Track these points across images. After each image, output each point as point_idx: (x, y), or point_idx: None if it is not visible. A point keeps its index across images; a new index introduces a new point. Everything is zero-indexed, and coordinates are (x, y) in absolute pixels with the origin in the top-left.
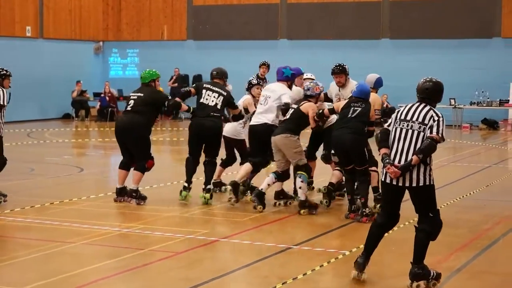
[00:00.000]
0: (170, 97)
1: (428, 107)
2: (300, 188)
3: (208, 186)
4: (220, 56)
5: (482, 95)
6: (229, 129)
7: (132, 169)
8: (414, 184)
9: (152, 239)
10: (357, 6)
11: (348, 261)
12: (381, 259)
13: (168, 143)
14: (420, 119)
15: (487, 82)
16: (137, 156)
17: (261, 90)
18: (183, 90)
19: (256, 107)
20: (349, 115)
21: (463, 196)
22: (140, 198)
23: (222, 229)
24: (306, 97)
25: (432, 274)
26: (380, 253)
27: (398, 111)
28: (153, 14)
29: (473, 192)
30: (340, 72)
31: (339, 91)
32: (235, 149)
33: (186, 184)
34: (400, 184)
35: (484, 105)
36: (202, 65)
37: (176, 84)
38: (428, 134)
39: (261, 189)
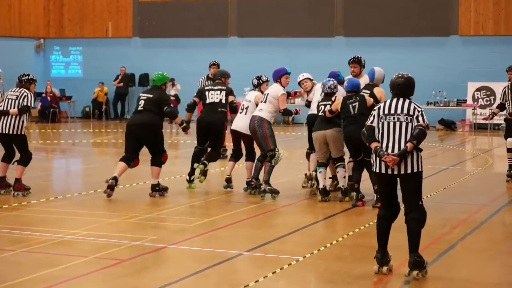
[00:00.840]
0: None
1: (408, 101)
2: (344, 177)
3: (207, 168)
4: (167, 54)
5: (439, 95)
6: (243, 124)
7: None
8: (409, 171)
9: (96, 246)
10: (309, 3)
11: (302, 267)
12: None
13: (113, 145)
14: (405, 111)
15: (444, 82)
16: (153, 151)
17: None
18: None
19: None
20: (353, 112)
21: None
22: (162, 190)
23: (171, 235)
24: (331, 95)
25: (425, 262)
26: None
27: (379, 108)
28: (97, 10)
29: (430, 195)
30: (355, 62)
31: None
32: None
33: (188, 177)
34: (396, 172)
35: (441, 105)
36: (149, 64)
37: (121, 84)
38: (416, 123)
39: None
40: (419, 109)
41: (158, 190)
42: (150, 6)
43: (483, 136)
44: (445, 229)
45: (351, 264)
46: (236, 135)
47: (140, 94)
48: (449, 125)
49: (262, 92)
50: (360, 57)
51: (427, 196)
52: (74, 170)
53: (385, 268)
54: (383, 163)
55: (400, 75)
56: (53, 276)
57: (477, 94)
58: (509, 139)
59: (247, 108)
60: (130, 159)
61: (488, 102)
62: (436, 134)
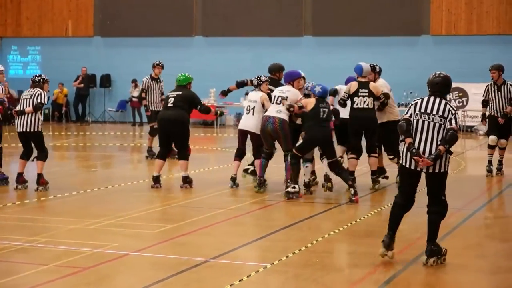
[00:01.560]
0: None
1: (444, 101)
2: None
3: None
4: (130, 54)
5: (411, 95)
6: (252, 124)
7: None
8: (436, 171)
9: (57, 254)
10: (277, 1)
11: (270, 274)
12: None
13: (73, 148)
14: (440, 113)
15: (416, 82)
16: (180, 145)
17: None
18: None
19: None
20: (322, 116)
21: (391, 203)
22: (190, 182)
23: (133, 242)
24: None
25: (443, 251)
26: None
27: (416, 104)
28: (56, 8)
29: None
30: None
31: None
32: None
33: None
34: (424, 170)
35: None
36: (110, 64)
37: (82, 85)
38: (448, 126)
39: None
40: (453, 112)
41: (188, 182)
42: (112, 4)
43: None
44: (418, 234)
45: (320, 271)
46: (244, 134)
47: (169, 93)
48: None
49: (262, 91)
50: (376, 65)
51: None
52: (32, 175)
53: (390, 253)
54: (411, 159)
55: (437, 74)
56: (12, 285)
57: (450, 95)
58: (491, 137)
59: (253, 108)
60: (165, 155)
61: (461, 104)
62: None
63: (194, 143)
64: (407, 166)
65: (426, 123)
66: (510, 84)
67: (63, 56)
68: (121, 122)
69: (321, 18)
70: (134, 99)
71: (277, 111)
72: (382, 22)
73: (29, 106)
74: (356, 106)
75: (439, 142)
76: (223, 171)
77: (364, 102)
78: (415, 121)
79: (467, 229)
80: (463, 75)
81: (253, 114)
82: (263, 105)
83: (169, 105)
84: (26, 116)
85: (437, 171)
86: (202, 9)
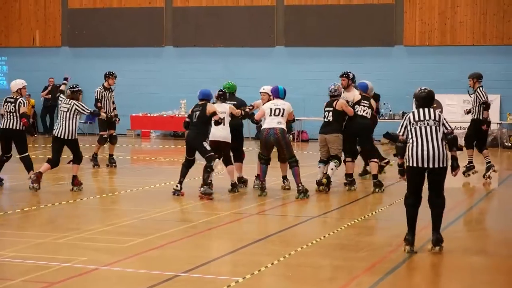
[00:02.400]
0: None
1: (432, 109)
2: (331, 169)
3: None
4: (98, 64)
5: (384, 107)
6: (223, 134)
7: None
8: (441, 165)
9: (24, 268)
10: (248, 11)
11: None
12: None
13: (41, 160)
14: (433, 117)
15: (389, 94)
16: (236, 148)
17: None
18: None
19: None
20: (194, 119)
21: (364, 217)
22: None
23: (102, 256)
24: (334, 97)
25: (442, 241)
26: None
27: (409, 117)
28: (23, 17)
29: (375, 212)
30: (343, 76)
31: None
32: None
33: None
34: (431, 166)
35: (386, 118)
36: (79, 75)
37: (50, 96)
38: (444, 130)
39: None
40: (442, 117)
41: (243, 182)
42: (80, 14)
43: None
44: (391, 247)
45: (294, 284)
46: (216, 144)
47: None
48: (394, 139)
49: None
50: (349, 72)
51: (372, 213)
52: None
53: (409, 247)
54: (418, 159)
55: (422, 90)
56: None
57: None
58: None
59: (223, 119)
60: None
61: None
62: (381, 149)
63: (165, 155)
64: (414, 165)
65: (423, 128)
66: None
67: (30, 67)
68: (90, 133)
69: (293, 28)
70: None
71: (277, 123)
72: (355, 33)
73: (72, 117)
74: (356, 113)
75: (438, 141)
76: (194, 183)
77: (364, 111)
78: (413, 129)
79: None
80: (437, 86)
81: (223, 124)
82: (231, 115)
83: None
84: (67, 124)
85: (441, 166)
86: (173, 19)
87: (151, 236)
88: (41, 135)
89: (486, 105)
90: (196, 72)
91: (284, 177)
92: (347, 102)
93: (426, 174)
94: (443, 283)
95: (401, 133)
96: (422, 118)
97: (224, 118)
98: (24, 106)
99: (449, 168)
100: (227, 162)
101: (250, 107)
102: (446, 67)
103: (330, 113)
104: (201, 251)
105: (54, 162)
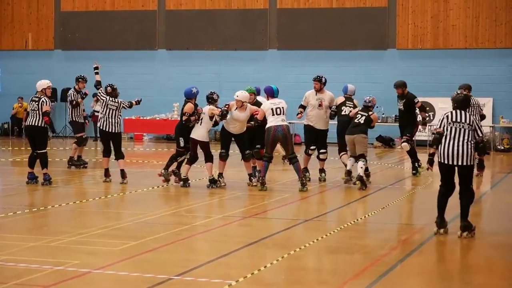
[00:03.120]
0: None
1: (468, 114)
2: (361, 168)
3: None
4: (91, 67)
5: (377, 110)
6: (199, 133)
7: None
8: (468, 164)
9: (17, 272)
10: (242, 14)
11: None
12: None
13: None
14: (468, 121)
15: (382, 96)
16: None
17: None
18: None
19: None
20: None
21: (357, 220)
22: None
23: (95, 259)
24: (368, 108)
25: (473, 226)
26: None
27: (447, 116)
28: (16, 20)
29: (368, 215)
30: (315, 79)
31: (316, 95)
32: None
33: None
34: (460, 163)
35: (379, 121)
36: (72, 78)
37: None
38: (476, 136)
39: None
40: (476, 122)
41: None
42: (73, 17)
43: (423, 153)
44: (384, 250)
45: None
46: (194, 142)
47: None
48: (387, 142)
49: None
50: (322, 76)
51: (364, 217)
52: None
53: (442, 230)
54: (447, 156)
55: (459, 94)
56: None
57: (416, 109)
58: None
59: (202, 119)
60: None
61: (428, 118)
62: (374, 152)
63: (158, 158)
64: (445, 162)
65: (458, 129)
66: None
67: (23, 70)
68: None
69: (286, 32)
70: (96, 114)
71: (282, 120)
72: (347, 36)
73: (120, 114)
74: (344, 113)
75: (467, 142)
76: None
77: (350, 111)
78: (449, 128)
79: (434, 245)
80: (429, 89)
81: (200, 124)
82: (210, 117)
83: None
84: (113, 119)
85: (466, 164)
86: (165, 22)
87: (144, 239)
88: None
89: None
90: (189, 75)
91: (251, 175)
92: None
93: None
94: (436, 286)
95: (440, 128)
96: (458, 120)
97: (202, 118)
98: (46, 105)
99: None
100: (208, 159)
101: (226, 107)
102: (439, 70)
103: (364, 118)
104: (194, 254)
105: (109, 152)
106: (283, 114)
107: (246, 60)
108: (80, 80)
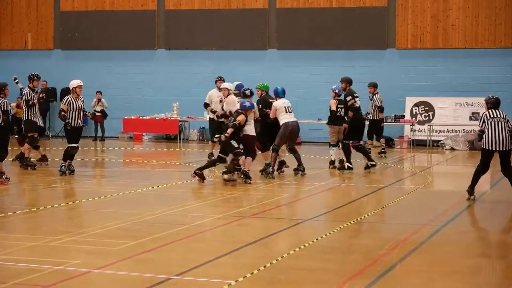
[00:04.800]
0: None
1: (500, 110)
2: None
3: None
4: (91, 67)
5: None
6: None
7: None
8: (506, 148)
9: (16, 271)
10: (241, 14)
11: None
12: None
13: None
14: (503, 116)
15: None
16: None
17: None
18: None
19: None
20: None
21: (356, 220)
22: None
23: (95, 259)
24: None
25: None
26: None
27: (486, 115)
28: (15, 20)
29: (368, 215)
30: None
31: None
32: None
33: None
34: (500, 149)
35: None
36: (71, 77)
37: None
38: (510, 125)
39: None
40: (507, 115)
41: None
42: (72, 16)
43: (422, 153)
44: (383, 250)
45: (285, 287)
46: (252, 139)
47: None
48: (386, 142)
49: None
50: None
51: (364, 216)
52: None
53: (472, 197)
54: (491, 143)
55: (491, 97)
56: None
57: (415, 109)
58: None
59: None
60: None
61: (427, 118)
62: (373, 151)
63: (157, 158)
64: (489, 148)
65: (496, 123)
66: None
67: (22, 70)
68: (83, 136)
69: (285, 31)
70: (97, 114)
71: (294, 116)
72: (347, 36)
73: None
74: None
75: (504, 132)
76: (186, 186)
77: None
78: (489, 123)
79: (434, 245)
80: (429, 89)
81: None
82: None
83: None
84: None
85: (506, 148)
86: (165, 21)
87: (143, 239)
88: None
89: (380, 109)
90: (188, 75)
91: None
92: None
93: (496, 154)
94: (435, 286)
95: (481, 126)
96: (495, 116)
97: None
98: (64, 104)
99: None
100: (249, 154)
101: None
102: (438, 70)
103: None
104: (194, 254)
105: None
106: (293, 112)
107: (245, 60)
108: (36, 79)
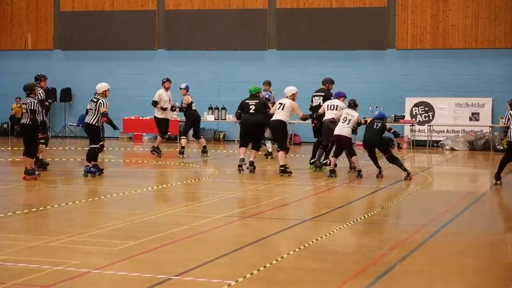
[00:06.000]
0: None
1: None
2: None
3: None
4: (91, 67)
5: (376, 110)
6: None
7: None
8: None
9: (16, 272)
10: (241, 14)
11: None
12: None
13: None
14: None
15: (381, 97)
16: (259, 140)
17: None
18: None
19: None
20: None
21: (356, 220)
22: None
23: (94, 259)
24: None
25: None
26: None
27: (510, 113)
28: (15, 20)
29: (367, 215)
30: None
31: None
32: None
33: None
34: None
35: None
36: (71, 78)
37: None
38: None
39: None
40: None
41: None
42: (72, 17)
43: (422, 153)
44: (383, 250)
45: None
46: (340, 138)
47: (248, 101)
48: (387, 142)
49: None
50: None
51: (364, 217)
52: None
53: (499, 182)
54: None
55: None
56: None
57: (415, 109)
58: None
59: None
60: (246, 146)
61: (427, 118)
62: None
63: (157, 158)
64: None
65: None
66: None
67: (22, 70)
68: (82, 137)
69: (285, 32)
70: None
71: (334, 114)
72: (347, 36)
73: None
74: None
75: None
76: (186, 186)
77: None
78: None
79: (434, 245)
80: (428, 89)
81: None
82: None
83: (251, 111)
84: None
85: None
86: (165, 22)
87: (143, 239)
88: None
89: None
90: (188, 75)
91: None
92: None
93: None
94: (435, 286)
95: (506, 123)
96: None
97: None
98: (104, 106)
99: None
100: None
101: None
102: (438, 70)
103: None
104: (194, 254)
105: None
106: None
107: (245, 60)
108: (41, 79)
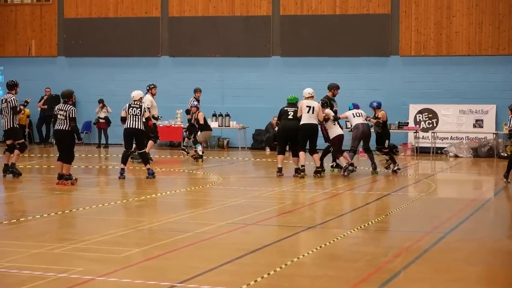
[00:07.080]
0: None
1: None
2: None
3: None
4: (95, 74)
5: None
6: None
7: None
8: None
9: (20, 279)
10: (245, 21)
11: None
12: None
13: (37, 170)
14: None
15: (385, 104)
16: (296, 144)
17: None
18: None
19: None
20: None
21: (360, 227)
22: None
23: (99, 266)
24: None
25: None
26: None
27: None
28: (19, 27)
29: (371, 222)
30: None
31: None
32: None
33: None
34: None
35: None
36: (75, 84)
37: (46, 106)
38: None
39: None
40: None
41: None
42: (76, 24)
43: (426, 160)
44: (388, 257)
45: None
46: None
47: (287, 108)
48: (390, 149)
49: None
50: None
51: (368, 224)
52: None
53: (509, 180)
54: None
55: None
56: None
57: (419, 116)
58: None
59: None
60: (283, 152)
61: (431, 125)
62: (377, 159)
63: (161, 164)
64: None
65: None
66: None
67: (26, 77)
68: (86, 143)
69: (289, 38)
70: (100, 120)
71: (364, 119)
72: (350, 43)
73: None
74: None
75: None
76: (189, 193)
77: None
78: None
79: (437, 252)
80: (432, 96)
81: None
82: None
83: (289, 117)
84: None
85: None
86: (169, 28)
87: (147, 246)
88: (36, 145)
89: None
90: (192, 82)
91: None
92: None
93: None
94: None
95: (510, 126)
96: None
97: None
98: (148, 112)
99: None
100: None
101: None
102: (442, 77)
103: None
104: (198, 261)
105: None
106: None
107: (249, 67)
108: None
